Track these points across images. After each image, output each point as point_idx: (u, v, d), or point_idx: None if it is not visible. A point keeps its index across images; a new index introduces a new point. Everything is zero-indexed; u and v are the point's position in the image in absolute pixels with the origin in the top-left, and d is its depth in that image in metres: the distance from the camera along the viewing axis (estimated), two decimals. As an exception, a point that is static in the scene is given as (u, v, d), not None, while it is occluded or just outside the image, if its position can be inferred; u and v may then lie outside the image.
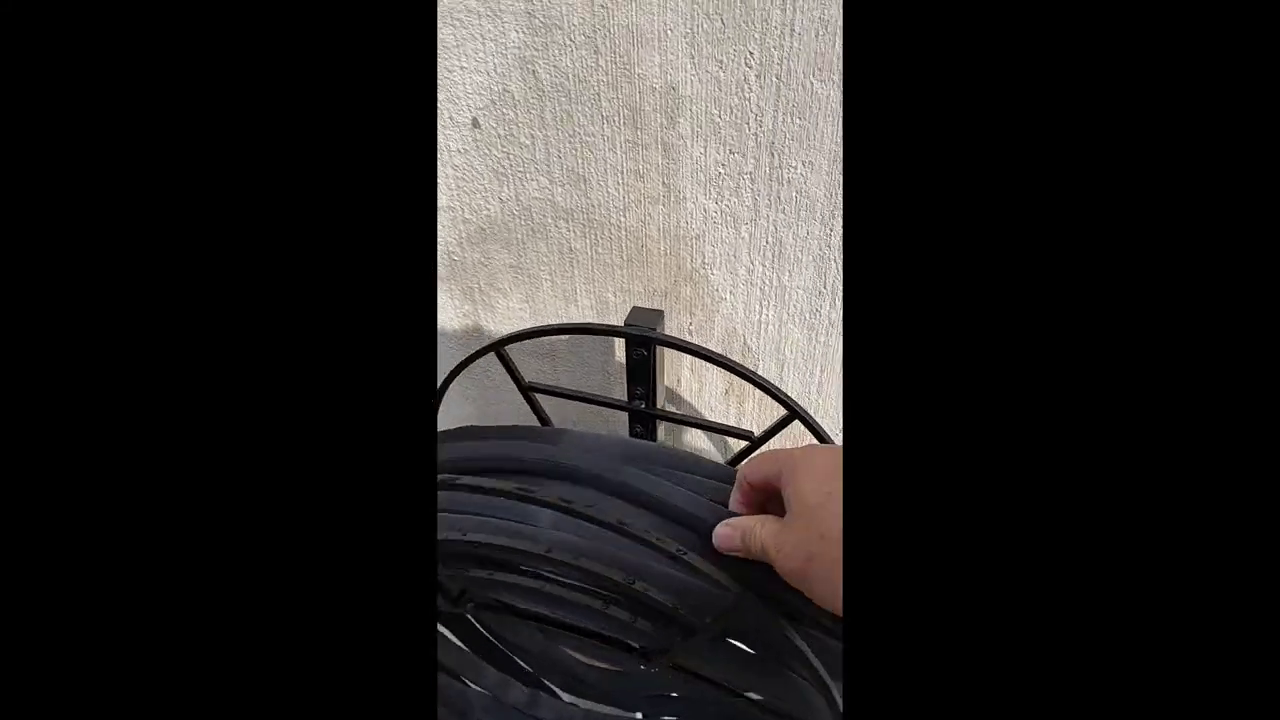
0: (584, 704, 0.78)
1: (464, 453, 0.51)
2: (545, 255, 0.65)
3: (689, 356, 0.66)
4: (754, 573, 0.42)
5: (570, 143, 0.57)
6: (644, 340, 0.55)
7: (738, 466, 0.44)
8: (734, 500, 0.43)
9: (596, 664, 0.75)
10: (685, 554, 0.40)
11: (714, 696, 0.55)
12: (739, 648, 0.49)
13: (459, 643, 0.74)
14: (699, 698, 0.70)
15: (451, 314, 0.71)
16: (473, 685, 0.74)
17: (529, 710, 0.75)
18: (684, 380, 0.68)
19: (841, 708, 0.46)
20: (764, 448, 0.57)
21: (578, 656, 0.74)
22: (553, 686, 0.78)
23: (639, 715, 0.78)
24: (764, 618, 0.41)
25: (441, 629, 0.74)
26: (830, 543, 0.33)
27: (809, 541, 0.34)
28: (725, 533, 0.40)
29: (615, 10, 0.50)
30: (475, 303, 0.70)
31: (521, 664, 0.76)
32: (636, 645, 0.50)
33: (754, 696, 0.52)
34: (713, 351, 0.54)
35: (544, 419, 0.65)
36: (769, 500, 0.42)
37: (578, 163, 0.58)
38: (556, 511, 0.42)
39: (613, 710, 0.78)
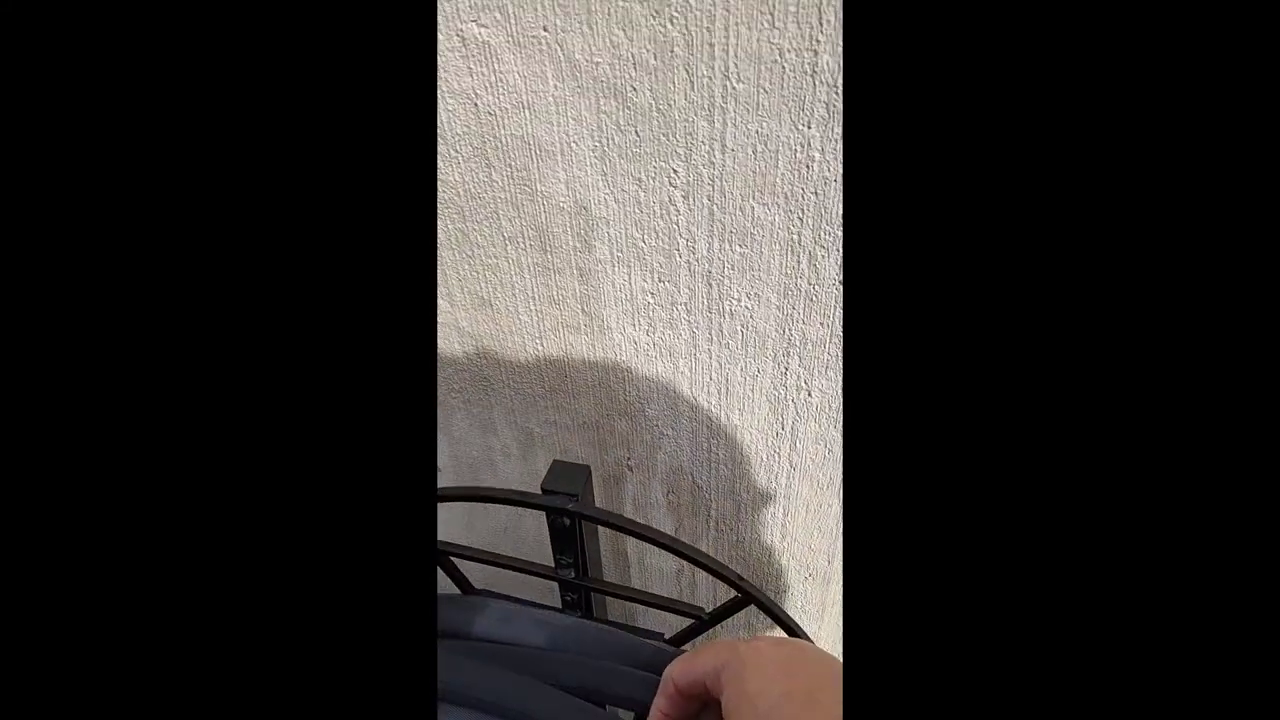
0: None
1: None
2: (456, 382, 0.55)
3: (632, 491, 0.57)
4: None
5: (470, 264, 0.47)
6: (559, 513, 0.45)
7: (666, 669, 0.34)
8: (656, 710, 0.33)
9: None
10: None
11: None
12: None
13: None
14: None
15: (354, 443, 0.61)
16: None
17: None
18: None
19: None
20: (717, 629, 0.47)
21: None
22: None
23: None
24: None
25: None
26: None
27: None
28: None
29: (505, 119, 0.40)
30: (380, 432, 0.60)
31: None
32: None
33: None
34: (644, 527, 0.44)
35: (461, 582, 0.55)
36: (704, 710, 0.32)
37: (480, 286, 0.48)
38: None
39: None
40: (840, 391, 0.45)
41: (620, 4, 0.34)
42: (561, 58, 0.37)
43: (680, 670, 0.31)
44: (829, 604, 0.57)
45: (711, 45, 0.34)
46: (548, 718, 0.39)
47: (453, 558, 0.53)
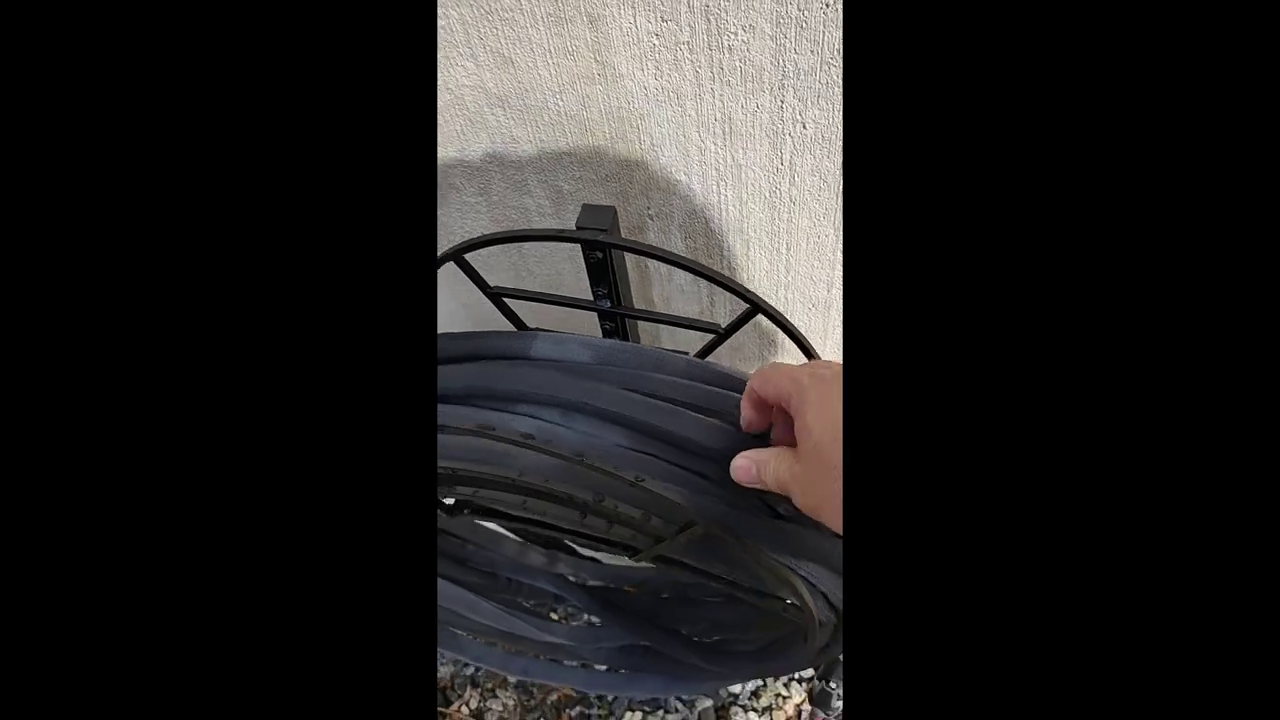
0: (602, 556, 0.86)
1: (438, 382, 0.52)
2: (488, 146, 0.60)
3: (653, 238, 0.64)
4: (705, 500, 0.44)
5: (489, 21, 0.51)
6: (593, 245, 0.53)
7: (750, 375, 0.43)
8: (743, 408, 0.43)
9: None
10: (642, 480, 0.42)
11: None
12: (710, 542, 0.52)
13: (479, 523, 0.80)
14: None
15: (408, 214, 0.69)
16: (497, 552, 0.82)
17: (549, 568, 0.83)
18: (653, 265, 0.66)
19: (808, 578, 0.50)
20: (730, 340, 0.56)
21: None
22: (571, 544, 0.86)
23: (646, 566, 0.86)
24: (715, 533, 0.43)
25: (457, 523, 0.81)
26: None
27: (823, 481, 0.33)
28: (742, 465, 0.40)
29: None
30: (429, 201, 0.67)
31: (535, 533, 0.82)
32: (619, 543, 0.54)
33: (728, 578, 0.56)
34: (662, 251, 0.51)
35: (515, 320, 0.65)
36: (777, 414, 0.41)
37: (500, 43, 0.52)
38: (521, 446, 0.43)
39: (627, 562, 0.86)
40: (831, 121, 0.49)
41: None
42: None
43: (760, 383, 0.39)
44: (830, 330, 0.65)
45: None
46: (608, 405, 0.48)
47: (505, 299, 0.63)
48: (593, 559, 0.85)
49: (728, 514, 0.45)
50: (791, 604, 0.52)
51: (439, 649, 0.79)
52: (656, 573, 0.84)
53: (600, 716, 1.21)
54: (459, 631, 0.78)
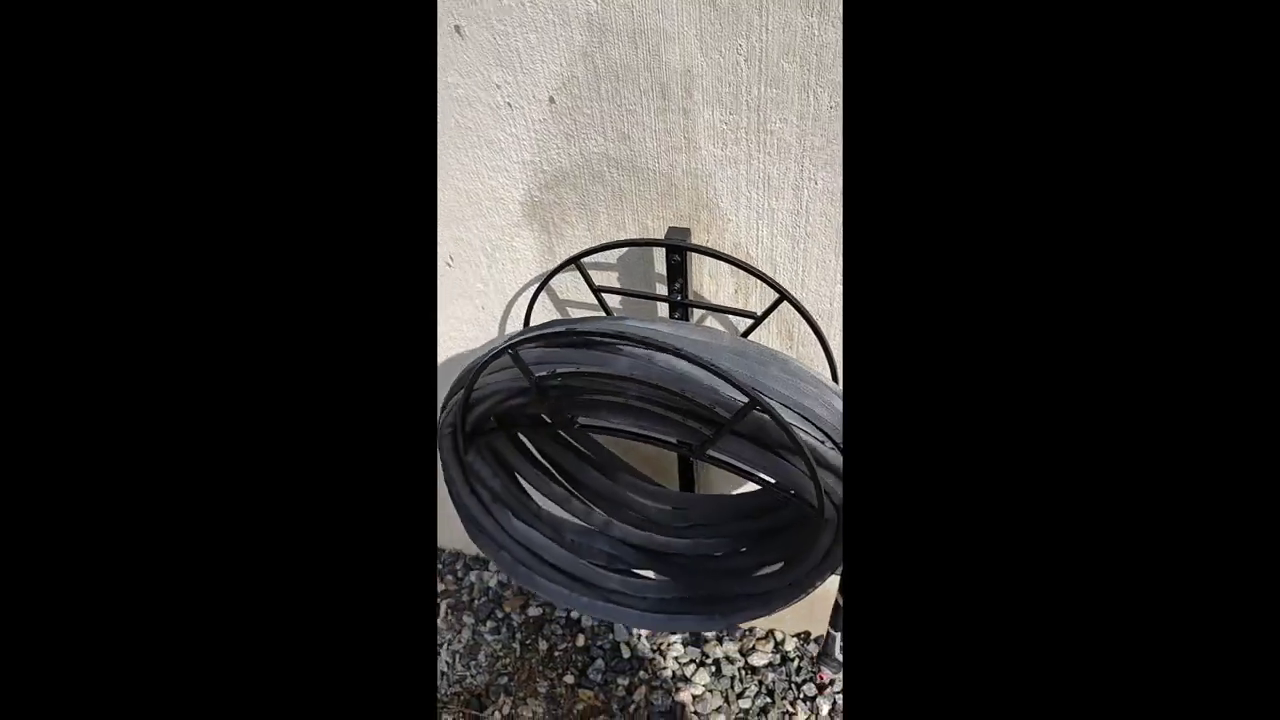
0: (640, 532, 1.06)
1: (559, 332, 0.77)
2: (602, 195, 0.89)
3: (708, 265, 0.91)
4: (763, 385, 0.67)
5: (618, 112, 0.81)
6: (678, 248, 0.80)
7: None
8: None
9: (647, 502, 1.02)
10: (715, 367, 0.65)
11: (730, 505, 0.81)
12: (753, 445, 0.74)
13: (558, 482, 1.01)
14: (718, 520, 0.97)
15: (532, 243, 0.97)
16: (566, 515, 1.02)
17: (605, 530, 1.03)
18: (704, 283, 0.92)
19: (823, 486, 0.71)
20: (759, 335, 0.81)
21: (634, 497, 1.01)
22: (616, 521, 1.06)
23: (681, 539, 1.05)
24: (767, 419, 0.66)
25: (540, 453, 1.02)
26: None
27: None
28: None
29: (646, 15, 0.73)
30: (550, 233, 0.95)
31: (594, 505, 1.03)
32: (686, 442, 0.76)
33: (765, 478, 0.77)
34: (725, 253, 0.78)
35: (609, 311, 0.91)
36: None
37: (624, 126, 0.82)
38: (630, 355, 0.67)
39: (660, 534, 1.06)
40: (834, 179, 0.77)
41: (713, -49, 0.66)
42: (681, -18, 0.69)
43: None
44: (833, 333, 0.90)
45: (761, -28, 0.66)
46: (686, 348, 0.73)
47: (603, 293, 0.89)
48: (640, 529, 1.05)
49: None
50: (810, 505, 0.73)
51: (516, 583, 0.98)
52: (691, 544, 1.04)
53: (621, 724, 1.32)
54: (534, 571, 0.97)
